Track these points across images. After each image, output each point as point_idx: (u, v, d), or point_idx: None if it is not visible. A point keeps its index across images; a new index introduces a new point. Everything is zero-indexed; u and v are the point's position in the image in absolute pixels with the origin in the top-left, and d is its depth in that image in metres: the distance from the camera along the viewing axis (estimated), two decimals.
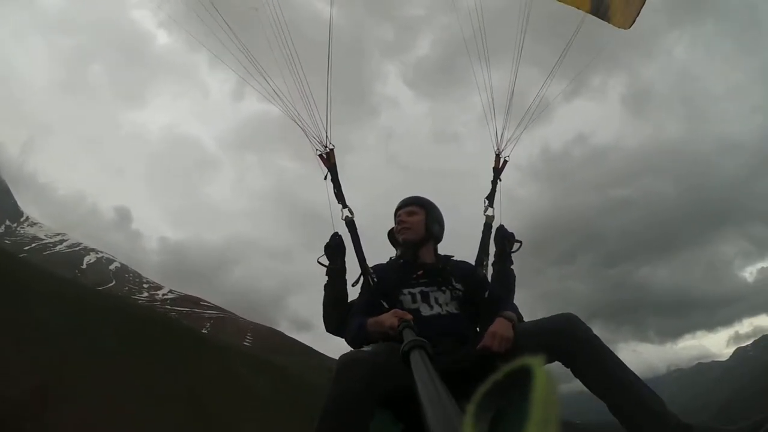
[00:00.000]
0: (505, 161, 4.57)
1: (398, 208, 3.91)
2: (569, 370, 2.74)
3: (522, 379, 0.78)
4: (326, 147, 4.26)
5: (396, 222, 3.88)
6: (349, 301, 3.97)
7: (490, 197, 4.41)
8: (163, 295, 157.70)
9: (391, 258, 3.93)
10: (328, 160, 4.25)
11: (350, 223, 4.01)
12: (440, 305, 3.38)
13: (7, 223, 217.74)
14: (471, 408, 0.85)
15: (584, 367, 2.69)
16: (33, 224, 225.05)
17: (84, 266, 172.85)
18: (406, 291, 3.45)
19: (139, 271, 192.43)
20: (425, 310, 3.34)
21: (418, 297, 3.41)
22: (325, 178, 4.21)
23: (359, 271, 3.84)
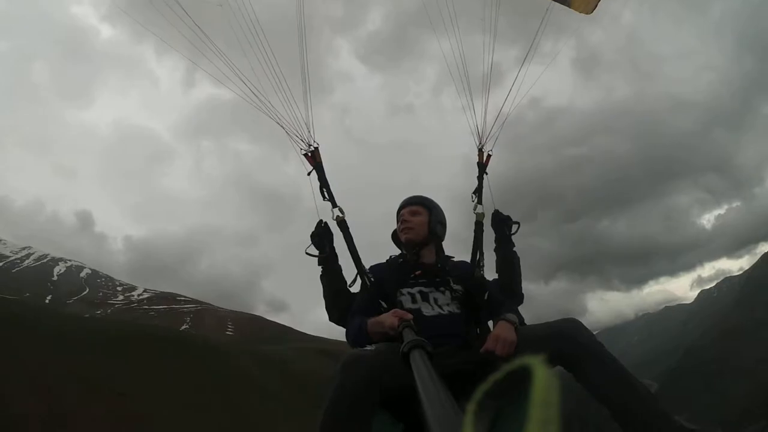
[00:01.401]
0: (489, 155, 4.52)
1: (401, 207, 3.89)
2: (572, 374, 2.75)
3: (522, 379, 0.78)
4: (310, 145, 4.21)
5: (399, 221, 3.85)
6: (348, 286, 3.99)
7: (478, 193, 4.36)
8: (139, 295, 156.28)
9: (391, 257, 3.88)
10: (314, 158, 4.19)
11: (341, 223, 4.01)
12: (440, 306, 3.38)
13: None
14: (471, 407, 0.85)
15: (587, 372, 2.70)
16: None
17: (55, 278, 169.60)
18: (405, 291, 3.45)
19: (111, 274, 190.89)
20: (427, 310, 3.34)
21: (418, 297, 3.41)
22: (309, 174, 4.16)
23: (355, 271, 3.87)
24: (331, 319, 3.99)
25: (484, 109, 4.46)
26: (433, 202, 3.89)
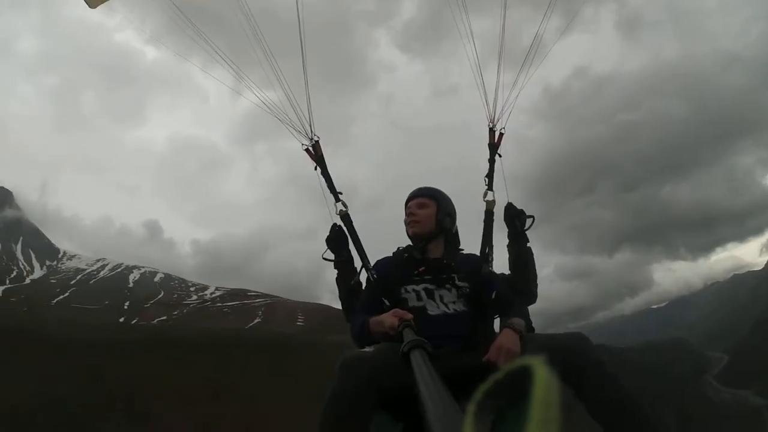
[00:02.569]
0: (501, 134, 4.23)
1: (409, 200, 3.70)
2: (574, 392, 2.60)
3: (523, 379, 0.78)
4: (311, 139, 4.13)
5: (406, 214, 3.66)
6: (353, 282, 3.92)
7: (489, 178, 4.12)
8: (211, 294, 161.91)
9: (399, 248, 3.73)
10: (315, 152, 4.11)
11: (345, 217, 3.93)
12: (446, 304, 3.25)
13: (48, 263, 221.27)
14: (471, 407, 0.86)
15: (589, 391, 2.58)
16: (72, 257, 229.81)
17: (131, 284, 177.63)
18: (409, 288, 3.33)
19: (183, 277, 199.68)
20: (432, 309, 3.23)
21: (423, 295, 3.29)
22: (315, 169, 4.08)
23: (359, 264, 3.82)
24: (347, 320, 3.87)
25: (497, 83, 4.13)
26: (442, 193, 3.69)
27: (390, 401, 2.60)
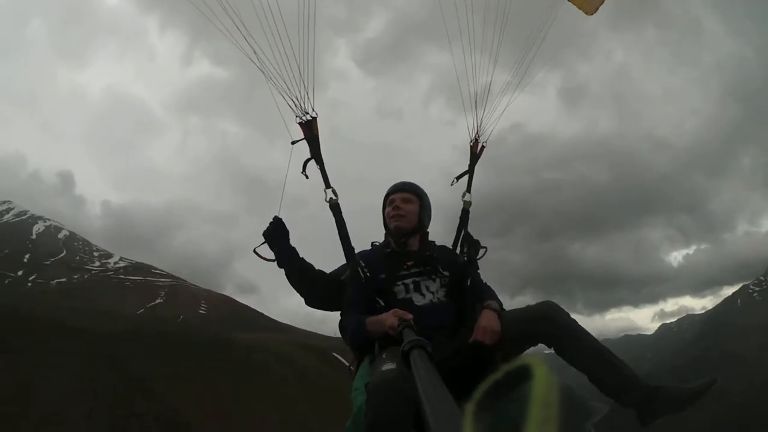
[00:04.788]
0: (483, 146, 4.41)
1: (392, 192, 3.70)
2: (552, 350, 2.99)
3: (522, 379, 0.79)
4: (308, 114, 3.85)
5: (389, 207, 3.66)
6: (317, 269, 3.84)
7: (469, 181, 4.31)
8: (115, 263, 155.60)
9: (373, 243, 3.81)
10: (310, 129, 3.85)
11: (335, 207, 3.77)
12: (432, 293, 3.37)
13: None
14: (471, 407, 0.85)
15: (567, 348, 2.92)
16: None
17: (34, 236, 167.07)
18: (399, 283, 3.40)
19: (87, 239, 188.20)
20: (418, 300, 3.33)
21: (411, 287, 3.37)
22: (293, 143, 3.83)
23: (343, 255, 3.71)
24: (308, 305, 3.86)
25: (485, 97, 4.35)
26: (423, 191, 3.73)
27: None
